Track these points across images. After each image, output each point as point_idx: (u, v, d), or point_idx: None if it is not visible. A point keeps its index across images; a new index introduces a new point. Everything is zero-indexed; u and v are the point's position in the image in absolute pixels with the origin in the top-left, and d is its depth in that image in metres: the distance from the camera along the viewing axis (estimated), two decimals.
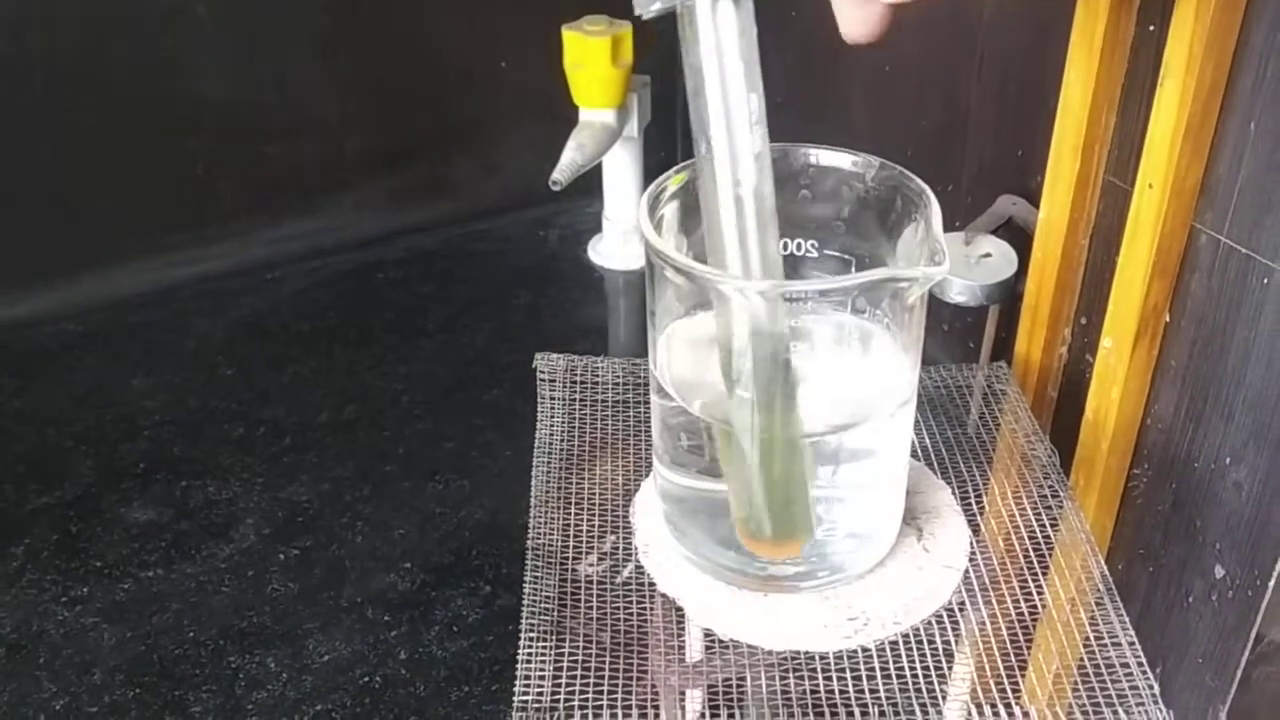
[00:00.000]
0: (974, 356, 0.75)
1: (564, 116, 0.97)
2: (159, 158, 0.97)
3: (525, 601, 0.44)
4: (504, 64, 1.06)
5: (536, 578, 0.45)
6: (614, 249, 1.05)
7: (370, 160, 1.06)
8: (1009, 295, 0.66)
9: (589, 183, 0.99)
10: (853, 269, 0.44)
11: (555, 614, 0.44)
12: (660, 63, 1.03)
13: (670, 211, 0.44)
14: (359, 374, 0.92)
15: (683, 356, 0.45)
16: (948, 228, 0.63)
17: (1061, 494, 0.51)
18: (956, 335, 0.79)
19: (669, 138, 1.10)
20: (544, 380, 0.55)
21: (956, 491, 0.51)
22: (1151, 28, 0.53)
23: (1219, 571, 0.55)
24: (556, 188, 0.91)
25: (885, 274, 0.39)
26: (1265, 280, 0.49)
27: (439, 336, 0.97)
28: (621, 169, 1.02)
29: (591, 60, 0.94)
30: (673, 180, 0.43)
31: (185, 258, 1.01)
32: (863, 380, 0.44)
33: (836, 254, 0.45)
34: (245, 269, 1.03)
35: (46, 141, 0.93)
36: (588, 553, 0.48)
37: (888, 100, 0.83)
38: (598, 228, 1.07)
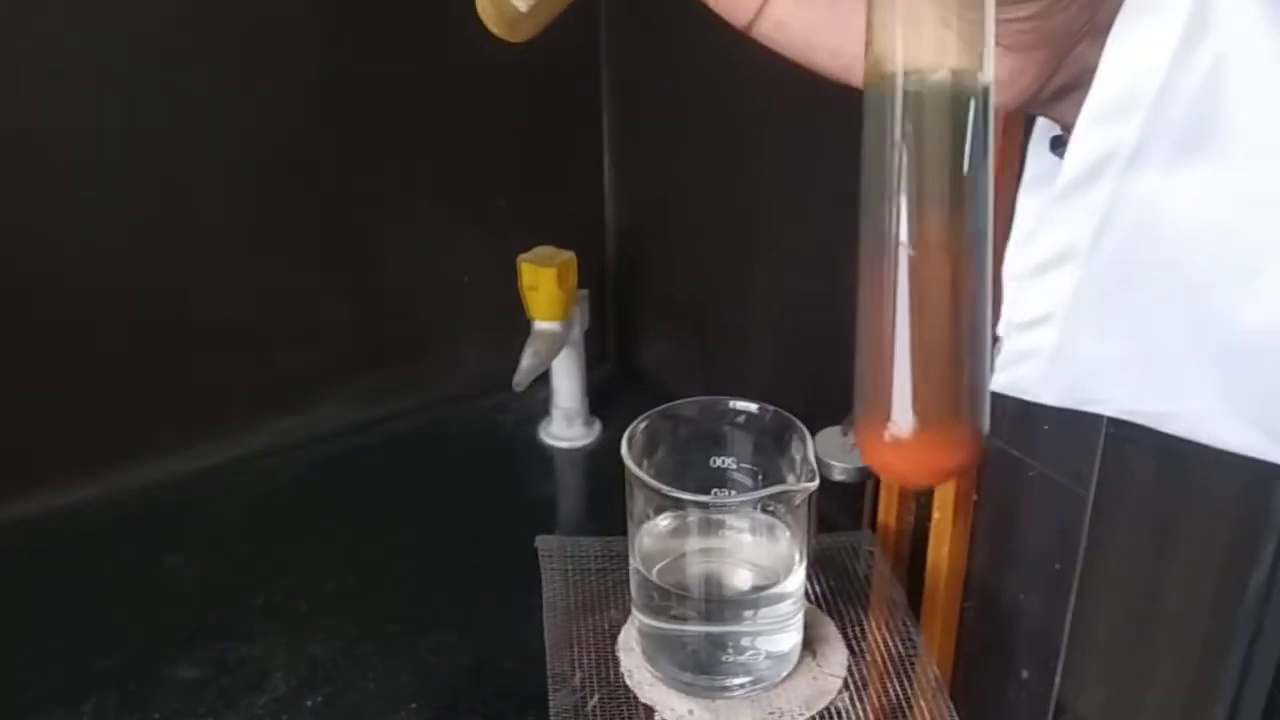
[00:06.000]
0: (860, 518, 0.96)
1: (517, 325, 1.15)
2: (170, 370, 1.12)
3: (552, 714, 0.64)
4: (467, 279, 1.27)
5: (557, 699, 0.65)
6: (561, 430, 1.25)
7: (354, 361, 1.23)
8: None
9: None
10: (760, 479, 0.67)
11: None
12: (595, 277, 1.26)
13: (638, 443, 0.66)
14: (355, 546, 1.08)
15: (650, 543, 0.66)
16: (830, 424, 0.84)
17: (910, 626, 0.73)
18: (846, 502, 1.00)
19: (602, 336, 1.31)
20: (544, 555, 0.76)
21: (839, 625, 0.73)
22: None
23: (1025, 674, 0.77)
24: (518, 389, 1.12)
25: (778, 489, 0.62)
26: (1030, 474, 0.73)
27: (419, 513, 1.13)
28: (566, 364, 1.21)
29: (542, 283, 1.14)
30: (640, 426, 0.66)
31: (202, 450, 1.17)
32: (770, 555, 0.66)
33: (749, 467, 0.67)
34: (251, 457, 1.20)
35: (75, 343, 1.06)
36: (584, 680, 0.68)
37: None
38: (546, 413, 1.26)
